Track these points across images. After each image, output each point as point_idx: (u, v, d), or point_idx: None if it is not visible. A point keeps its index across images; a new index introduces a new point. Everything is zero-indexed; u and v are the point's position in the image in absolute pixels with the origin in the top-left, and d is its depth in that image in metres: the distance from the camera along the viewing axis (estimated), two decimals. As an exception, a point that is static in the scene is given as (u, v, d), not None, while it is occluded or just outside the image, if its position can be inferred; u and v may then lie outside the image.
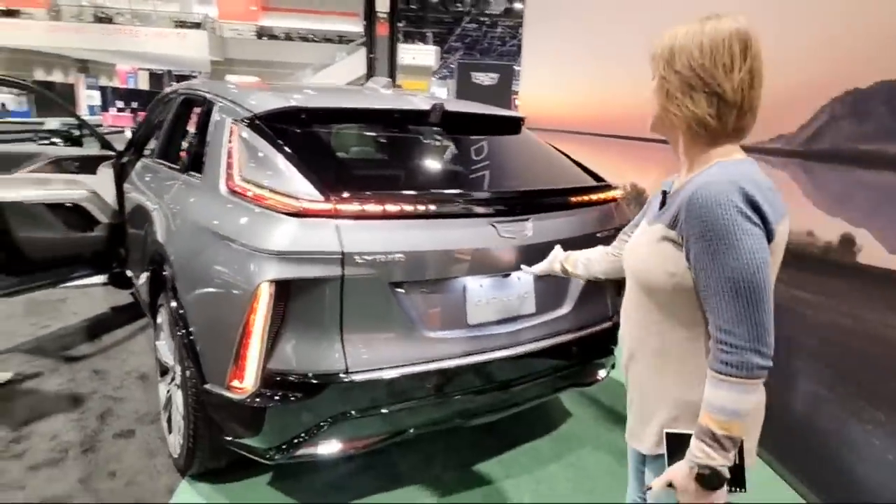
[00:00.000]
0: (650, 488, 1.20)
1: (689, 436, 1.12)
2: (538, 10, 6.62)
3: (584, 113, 5.34)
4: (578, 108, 5.49)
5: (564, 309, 2.36)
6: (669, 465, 1.16)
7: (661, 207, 1.24)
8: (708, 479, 1.08)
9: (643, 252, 1.22)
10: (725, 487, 1.11)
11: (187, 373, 2.13)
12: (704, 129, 1.14)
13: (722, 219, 1.04)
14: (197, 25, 27.92)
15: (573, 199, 2.36)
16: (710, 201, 1.05)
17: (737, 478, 1.11)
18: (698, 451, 1.09)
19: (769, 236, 1.07)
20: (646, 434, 1.27)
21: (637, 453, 1.42)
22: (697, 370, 1.14)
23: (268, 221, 1.89)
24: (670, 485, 1.14)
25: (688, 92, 1.13)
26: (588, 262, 1.73)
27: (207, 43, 27.11)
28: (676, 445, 1.15)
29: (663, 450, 1.19)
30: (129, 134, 13.20)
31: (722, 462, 1.07)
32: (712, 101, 1.11)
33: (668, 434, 1.18)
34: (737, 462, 1.10)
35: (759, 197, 1.05)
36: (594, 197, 2.42)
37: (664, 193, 1.27)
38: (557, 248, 1.87)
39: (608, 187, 2.51)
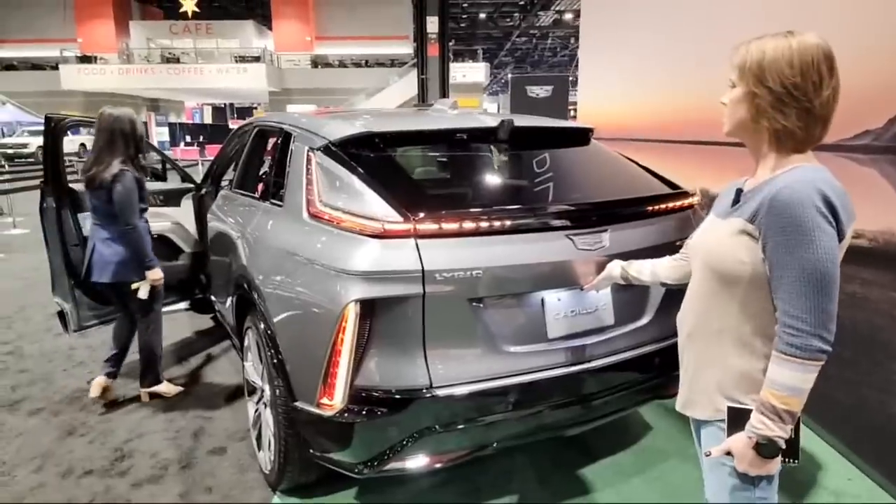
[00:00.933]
0: (709, 454, 1.32)
1: (749, 410, 1.25)
2: (594, 16, 6.60)
3: (645, 119, 5.26)
4: (639, 114, 5.42)
5: (644, 320, 2.33)
6: (729, 435, 1.28)
7: (733, 204, 1.33)
8: (766, 449, 1.20)
9: (718, 242, 1.31)
10: (779, 458, 1.23)
11: (277, 391, 2.22)
12: (792, 139, 1.23)
13: (803, 217, 1.14)
14: (256, 59, 29.18)
15: (649, 207, 2.34)
16: (793, 200, 1.15)
17: (791, 450, 1.23)
18: (758, 423, 1.21)
19: (840, 236, 1.17)
20: (702, 401, 1.38)
21: (698, 431, 1.48)
22: (752, 345, 1.28)
23: (351, 244, 1.97)
24: (729, 453, 1.27)
25: (779, 107, 1.21)
26: (654, 268, 1.85)
27: (266, 75, 28.29)
28: (736, 418, 1.27)
29: (720, 416, 1.32)
30: (201, 167, 13.83)
31: (779, 434, 1.19)
32: (802, 116, 1.20)
33: (729, 408, 1.29)
34: (792, 436, 1.21)
35: (836, 201, 1.16)
36: (670, 205, 2.39)
37: (738, 191, 1.35)
38: (614, 261, 1.99)
39: (684, 194, 2.47)
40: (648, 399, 2.54)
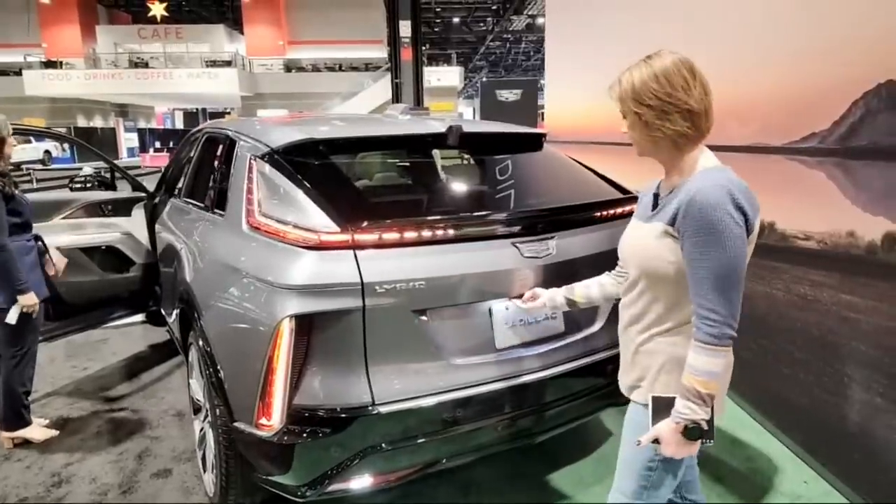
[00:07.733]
0: (640, 443, 1.41)
1: (673, 398, 1.37)
2: (558, 17, 6.60)
3: (610, 122, 5.26)
4: (605, 117, 5.42)
5: (595, 326, 2.29)
6: (654, 424, 1.39)
7: (653, 208, 1.47)
8: (692, 432, 1.33)
9: (645, 244, 1.45)
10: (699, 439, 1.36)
11: (217, 411, 2.13)
12: (686, 139, 1.39)
13: (715, 219, 1.28)
14: (228, 63, 28.82)
15: (597, 213, 2.29)
16: (706, 205, 1.29)
17: (709, 430, 1.35)
18: (684, 409, 1.33)
19: (750, 230, 1.32)
20: (643, 385, 1.50)
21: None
22: (681, 332, 1.44)
23: (287, 256, 1.88)
24: (656, 441, 1.38)
25: (663, 117, 1.37)
26: (603, 288, 1.84)
27: (238, 79, 27.96)
28: (661, 407, 1.39)
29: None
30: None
31: (703, 416, 1.33)
32: (686, 116, 1.36)
33: (653, 398, 1.41)
34: (709, 417, 1.34)
35: (744, 201, 1.30)
36: (619, 210, 2.35)
37: (656, 196, 1.50)
38: (553, 290, 1.92)
39: (633, 198, 2.43)
40: (604, 406, 2.48)
